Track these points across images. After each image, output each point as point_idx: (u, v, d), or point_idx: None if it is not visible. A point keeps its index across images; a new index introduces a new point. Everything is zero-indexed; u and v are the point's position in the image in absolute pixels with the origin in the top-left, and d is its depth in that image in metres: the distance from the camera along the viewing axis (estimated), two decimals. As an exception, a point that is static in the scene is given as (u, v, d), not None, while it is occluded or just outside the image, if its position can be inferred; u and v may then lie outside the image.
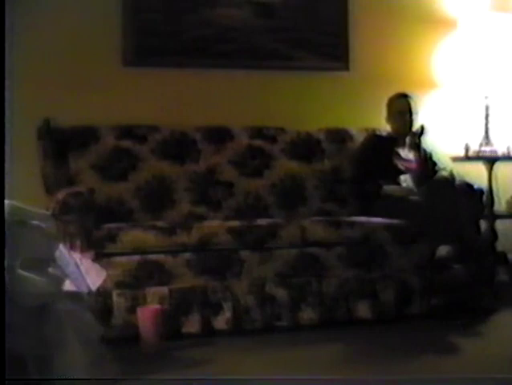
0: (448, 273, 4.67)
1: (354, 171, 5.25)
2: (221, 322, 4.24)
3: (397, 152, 5.24)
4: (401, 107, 5.27)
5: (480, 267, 4.81)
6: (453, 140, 5.71)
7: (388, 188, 5.04)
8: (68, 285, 2.88)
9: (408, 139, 5.31)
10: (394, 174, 5.16)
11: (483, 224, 5.22)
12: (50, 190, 4.49)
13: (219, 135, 5.16)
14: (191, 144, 5.08)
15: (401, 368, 3.44)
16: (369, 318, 4.51)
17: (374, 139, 5.35)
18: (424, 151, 5.35)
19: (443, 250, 4.59)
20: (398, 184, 5.12)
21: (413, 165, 5.24)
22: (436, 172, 5.26)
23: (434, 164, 5.32)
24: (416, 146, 5.31)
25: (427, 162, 5.32)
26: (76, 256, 3.30)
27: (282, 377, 3.22)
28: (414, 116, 5.26)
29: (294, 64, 5.50)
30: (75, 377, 2.14)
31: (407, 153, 5.29)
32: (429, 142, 5.37)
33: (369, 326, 4.44)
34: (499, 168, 5.64)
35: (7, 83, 4.12)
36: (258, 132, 5.25)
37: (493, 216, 5.48)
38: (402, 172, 5.18)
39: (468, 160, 5.60)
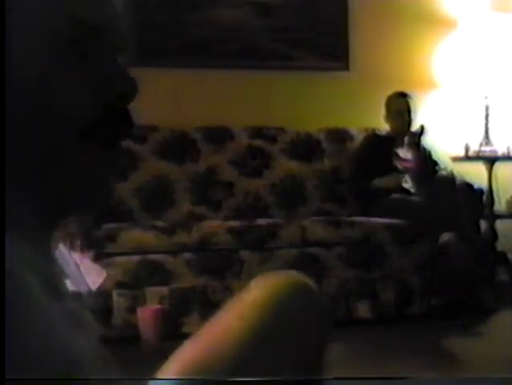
0: (448, 273, 4.67)
1: (352, 170, 5.24)
2: None
3: (396, 152, 5.20)
4: (400, 107, 5.21)
5: (480, 267, 4.80)
6: (453, 140, 5.69)
7: (377, 181, 5.03)
8: (68, 285, 2.86)
9: (406, 139, 5.25)
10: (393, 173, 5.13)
11: (483, 224, 5.22)
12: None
13: (219, 135, 5.14)
14: (191, 144, 5.07)
15: (401, 368, 3.43)
16: (369, 317, 4.50)
17: (373, 138, 5.32)
18: (424, 150, 5.30)
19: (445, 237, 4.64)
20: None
21: (412, 165, 5.18)
22: (436, 171, 5.24)
23: (435, 163, 5.29)
24: (416, 145, 5.26)
25: (426, 162, 5.26)
26: (76, 256, 3.29)
27: (281, 377, 3.21)
28: (413, 116, 5.22)
29: (294, 64, 5.48)
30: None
31: (406, 153, 5.23)
32: (429, 142, 5.35)
33: (369, 326, 4.43)
34: (499, 167, 5.63)
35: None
36: (258, 132, 5.24)
37: (493, 216, 5.46)
38: (401, 172, 5.14)
39: (468, 159, 5.59)
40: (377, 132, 5.39)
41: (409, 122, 5.22)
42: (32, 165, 0.78)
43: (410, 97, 5.24)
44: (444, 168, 5.25)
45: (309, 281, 1.15)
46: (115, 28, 0.83)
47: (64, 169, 0.79)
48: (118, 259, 4.12)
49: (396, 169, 5.13)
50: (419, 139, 5.27)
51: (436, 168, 5.26)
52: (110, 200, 0.82)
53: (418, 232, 4.64)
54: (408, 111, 5.21)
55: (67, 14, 0.78)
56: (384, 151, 5.17)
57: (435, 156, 5.34)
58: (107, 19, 0.82)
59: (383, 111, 5.28)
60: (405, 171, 5.16)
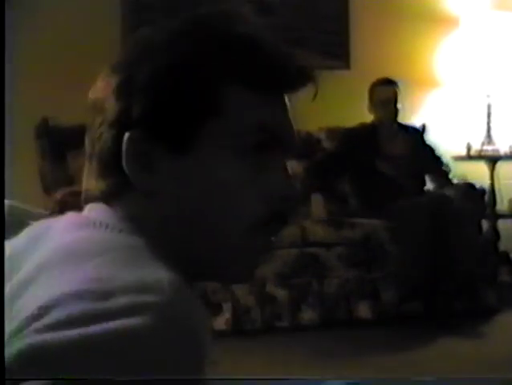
0: (450, 274, 4.63)
1: (314, 170, 4.97)
2: (220, 322, 4.22)
3: (379, 150, 4.86)
4: (385, 95, 4.81)
5: (482, 267, 4.77)
6: (454, 139, 5.65)
7: None
8: None
9: (392, 131, 4.93)
10: (378, 178, 4.82)
11: (485, 224, 5.18)
12: (48, 190, 4.45)
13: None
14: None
15: (402, 368, 3.42)
16: (370, 318, 4.48)
17: (350, 139, 4.99)
18: (418, 145, 5.02)
19: None
20: (385, 189, 4.73)
21: (401, 163, 4.86)
22: (439, 168, 5.05)
23: (437, 159, 5.04)
24: (406, 139, 4.95)
25: (421, 157, 4.97)
26: None
27: (281, 377, 3.20)
28: (400, 105, 4.87)
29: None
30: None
31: (392, 147, 4.91)
32: (431, 141, 5.29)
33: (370, 326, 4.41)
34: (501, 167, 5.60)
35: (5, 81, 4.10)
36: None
37: (496, 216, 5.44)
38: (387, 176, 4.82)
39: (470, 159, 5.56)
40: (357, 127, 5.02)
41: (396, 112, 4.88)
42: (197, 243, 0.92)
43: (396, 84, 4.88)
44: (448, 167, 5.11)
45: None
46: (290, 137, 0.98)
47: (226, 252, 0.93)
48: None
49: (379, 172, 4.84)
50: (421, 138, 5.18)
51: (444, 168, 5.05)
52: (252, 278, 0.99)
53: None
54: (395, 100, 4.84)
55: (255, 122, 0.92)
56: (363, 149, 4.84)
57: (432, 151, 5.11)
58: (285, 128, 0.97)
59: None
60: (390, 170, 4.84)
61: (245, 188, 0.91)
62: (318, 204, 4.83)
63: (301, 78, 0.99)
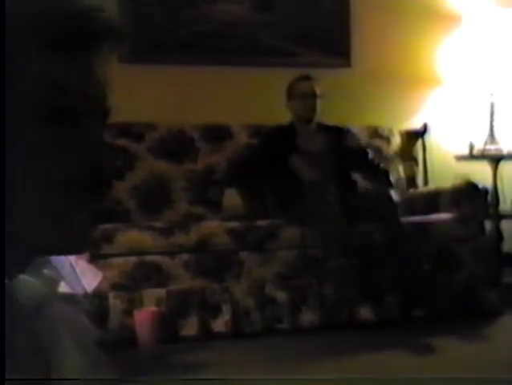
0: (453, 276, 4.59)
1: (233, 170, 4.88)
2: (219, 324, 4.19)
3: (297, 149, 4.74)
4: (305, 89, 4.75)
5: (485, 269, 4.72)
6: (457, 139, 5.63)
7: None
8: (63, 287, 2.84)
9: (311, 128, 4.81)
10: (291, 176, 4.64)
11: (488, 225, 5.12)
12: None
13: (218, 134, 5.09)
14: (189, 143, 5.01)
15: (404, 371, 3.39)
16: (372, 320, 4.42)
17: (271, 135, 4.87)
18: (340, 144, 4.85)
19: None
20: (297, 189, 4.53)
21: (319, 160, 4.72)
22: (371, 163, 4.88)
23: (364, 153, 4.91)
24: (326, 137, 4.81)
25: (346, 153, 4.81)
26: (71, 257, 3.26)
27: (281, 378, 3.16)
28: (319, 100, 4.74)
29: (294, 60, 5.42)
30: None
31: (310, 145, 4.78)
32: (433, 140, 5.24)
33: (372, 329, 4.35)
34: (504, 166, 5.55)
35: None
36: (258, 130, 5.15)
37: (499, 217, 5.40)
38: (301, 173, 4.66)
39: (472, 158, 5.52)
40: (276, 126, 4.91)
41: (315, 106, 4.78)
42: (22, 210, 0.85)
43: (315, 80, 4.78)
44: (375, 158, 4.98)
45: None
46: (98, 98, 0.88)
47: (50, 215, 0.86)
48: (114, 260, 4.07)
49: (291, 169, 4.69)
50: (422, 138, 5.16)
51: (375, 161, 4.92)
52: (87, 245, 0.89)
53: None
54: (314, 94, 4.74)
55: (53, 83, 0.83)
56: (280, 148, 4.75)
57: (357, 145, 5.00)
58: (92, 90, 0.87)
59: (385, 108, 5.19)
60: (304, 166, 4.70)
61: (51, 149, 0.84)
62: (231, 198, 4.67)
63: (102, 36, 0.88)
